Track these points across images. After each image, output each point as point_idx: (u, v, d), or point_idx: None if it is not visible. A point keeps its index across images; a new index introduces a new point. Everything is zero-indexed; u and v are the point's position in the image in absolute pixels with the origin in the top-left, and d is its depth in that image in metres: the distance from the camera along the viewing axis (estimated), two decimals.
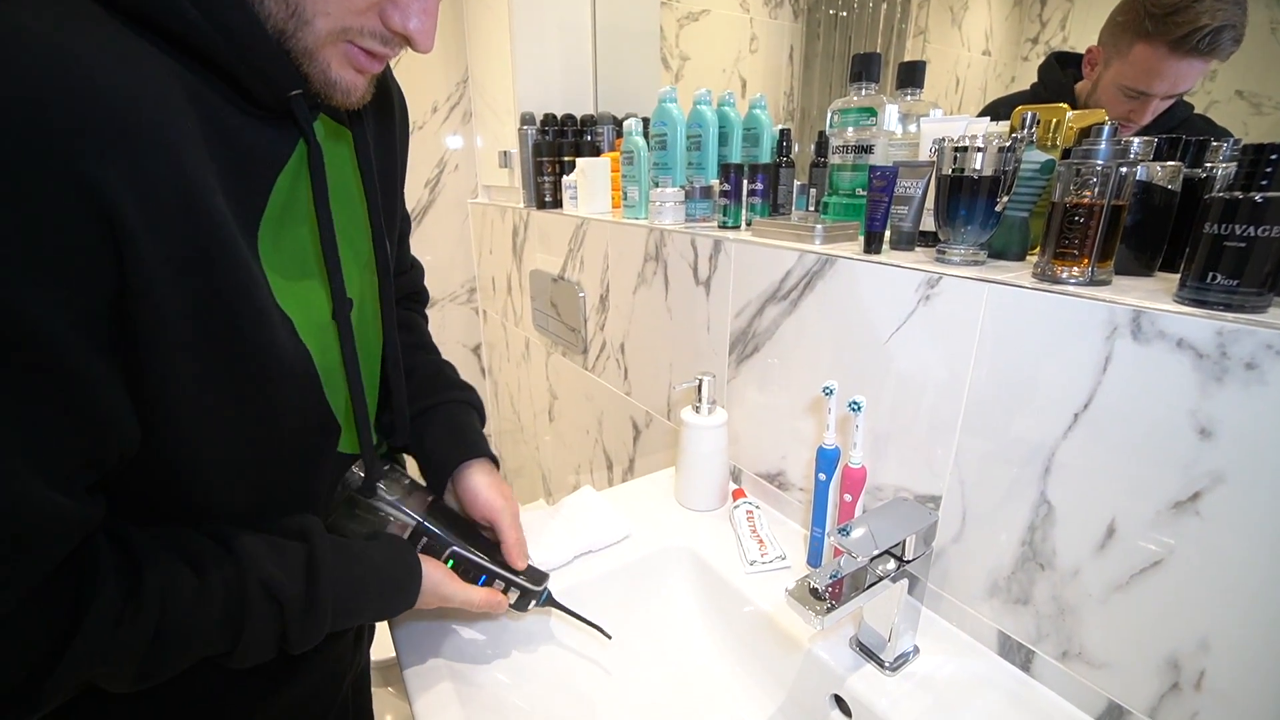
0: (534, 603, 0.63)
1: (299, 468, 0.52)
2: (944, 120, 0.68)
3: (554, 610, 0.65)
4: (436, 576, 0.57)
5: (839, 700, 0.61)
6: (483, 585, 0.61)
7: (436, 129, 1.89)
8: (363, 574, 0.52)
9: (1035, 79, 0.92)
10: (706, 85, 0.98)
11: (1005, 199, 0.57)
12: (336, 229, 0.49)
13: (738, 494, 0.85)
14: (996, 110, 0.91)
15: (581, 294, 1.27)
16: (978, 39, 1.09)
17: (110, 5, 0.36)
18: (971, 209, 0.58)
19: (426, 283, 0.81)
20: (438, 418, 0.67)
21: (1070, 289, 0.50)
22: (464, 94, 1.90)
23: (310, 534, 0.50)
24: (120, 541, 0.42)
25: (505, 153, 1.69)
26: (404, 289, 0.75)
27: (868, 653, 0.61)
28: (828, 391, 0.65)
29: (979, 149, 0.55)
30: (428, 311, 0.82)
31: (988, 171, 0.56)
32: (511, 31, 1.47)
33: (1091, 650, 0.52)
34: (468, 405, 0.71)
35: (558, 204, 1.39)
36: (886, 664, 0.60)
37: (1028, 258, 0.62)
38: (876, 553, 0.53)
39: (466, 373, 1.91)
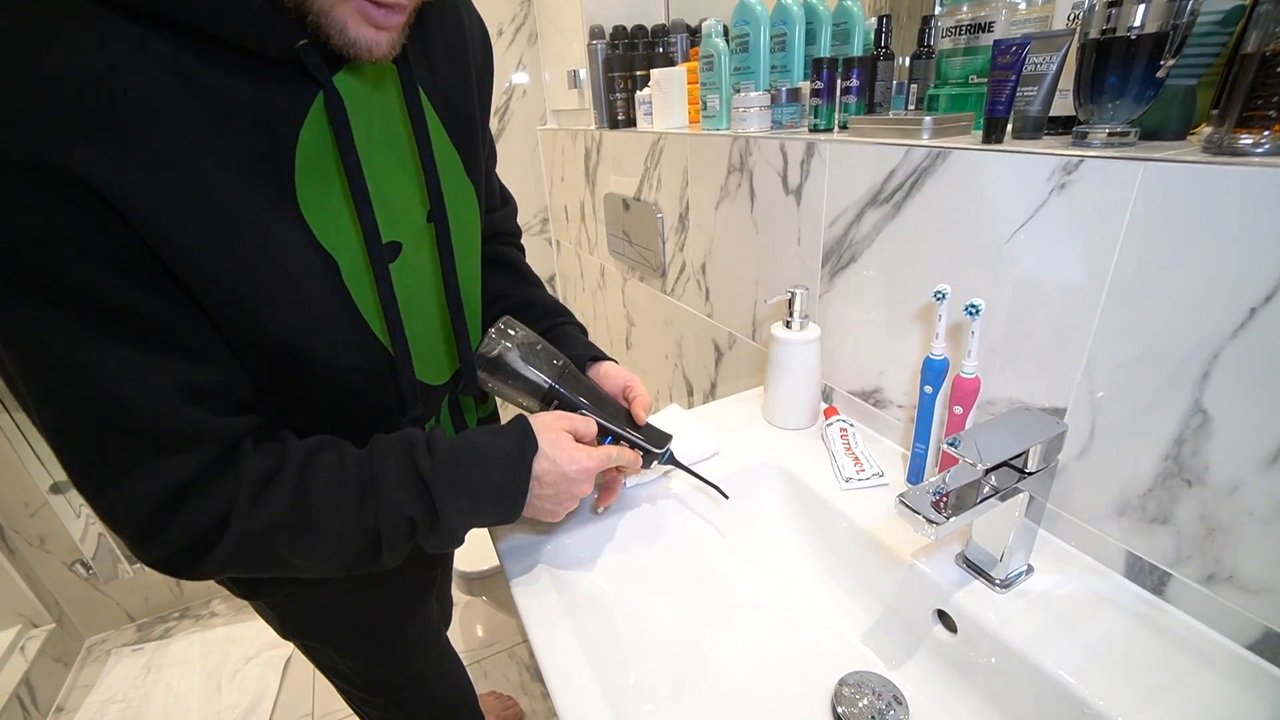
0: (656, 461, 0.67)
1: (370, 393, 0.56)
2: None
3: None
4: (559, 443, 0.57)
5: (942, 615, 0.59)
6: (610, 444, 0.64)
7: (502, 53, 1.83)
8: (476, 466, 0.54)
9: None
10: None
11: (1171, 61, 0.48)
12: (381, 173, 0.50)
13: (830, 412, 0.82)
14: None
15: (659, 214, 1.23)
16: None
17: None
18: (1125, 77, 0.49)
19: None
20: (558, 337, 0.72)
21: (1257, 159, 0.42)
22: (529, 13, 1.83)
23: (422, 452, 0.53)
24: (272, 441, 0.50)
25: (574, 72, 1.62)
26: (491, 228, 0.74)
27: (976, 569, 0.58)
28: (939, 296, 0.60)
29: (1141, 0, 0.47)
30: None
31: (1151, 28, 0.47)
32: None
33: (1248, 574, 0.47)
34: (578, 326, 0.77)
35: (631, 122, 1.33)
36: (997, 581, 0.57)
37: (1190, 136, 0.53)
38: (995, 463, 0.49)
39: None
